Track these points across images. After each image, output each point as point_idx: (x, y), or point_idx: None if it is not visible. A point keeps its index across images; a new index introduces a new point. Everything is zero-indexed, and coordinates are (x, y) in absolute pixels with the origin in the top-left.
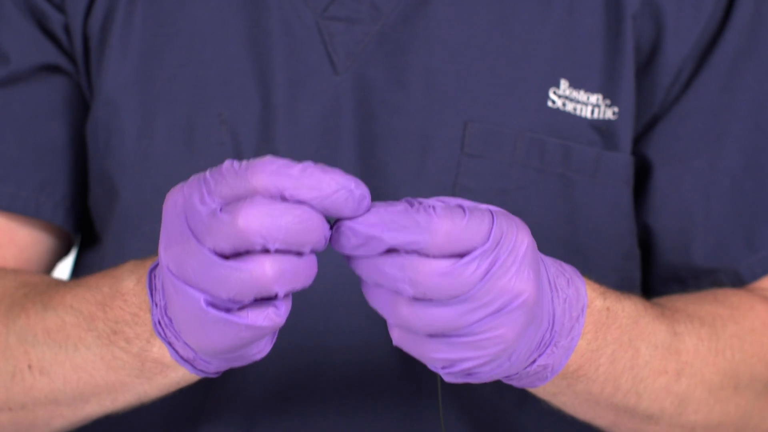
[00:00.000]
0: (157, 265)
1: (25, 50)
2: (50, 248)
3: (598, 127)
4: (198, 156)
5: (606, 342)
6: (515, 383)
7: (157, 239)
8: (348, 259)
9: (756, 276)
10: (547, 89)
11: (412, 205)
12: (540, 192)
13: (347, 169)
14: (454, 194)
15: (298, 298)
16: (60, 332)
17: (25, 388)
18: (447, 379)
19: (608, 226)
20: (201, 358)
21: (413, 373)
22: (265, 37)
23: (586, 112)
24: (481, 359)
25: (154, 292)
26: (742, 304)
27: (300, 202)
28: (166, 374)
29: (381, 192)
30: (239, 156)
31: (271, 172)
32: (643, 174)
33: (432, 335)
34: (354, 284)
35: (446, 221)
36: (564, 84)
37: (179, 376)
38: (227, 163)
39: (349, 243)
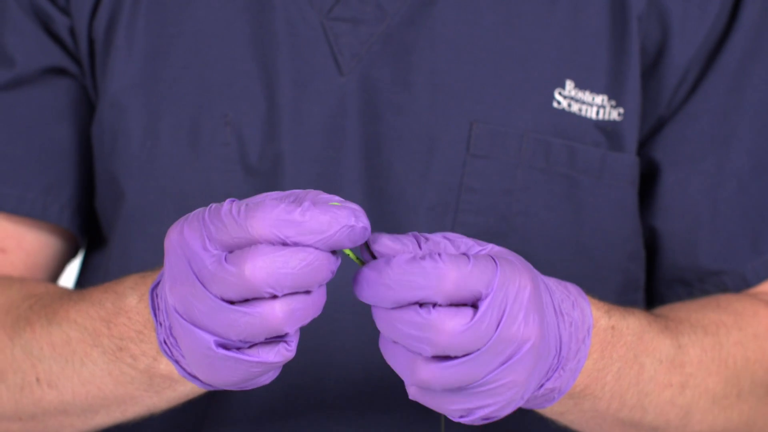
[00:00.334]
0: (158, 284)
1: (31, 53)
2: (58, 252)
3: (604, 127)
4: (203, 157)
5: (612, 360)
6: (523, 405)
7: (161, 241)
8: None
9: (760, 279)
10: (552, 90)
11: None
12: (545, 192)
13: (352, 171)
14: (459, 195)
15: None
16: (66, 347)
17: (34, 400)
18: (465, 422)
19: (613, 226)
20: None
21: None
22: (270, 37)
23: (592, 113)
24: (498, 404)
25: (157, 311)
26: (746, 310)
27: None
28: (174, 388)
29: (386, 193)
30: (244, 157)
31: (271, 223)
32: (649, 176)
33: (449, 389)
34: None
35: (452, 267)
36: (569, 85)
37: (188, 389)
38: (226, 207)
39: (362, 292)
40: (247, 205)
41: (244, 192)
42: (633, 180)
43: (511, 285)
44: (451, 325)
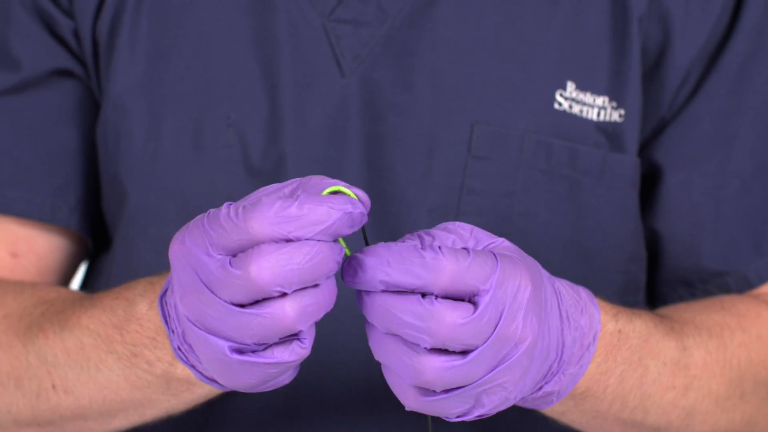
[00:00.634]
0: (166, 291)
1: (37, 56)
2: (69, 254)
3: (605, 129)
4: (206, 158)
5: (616, 363)
6: (521, 404)
7: (164, 242)
8: (359, 299)
9: (763, 280)
10: (553, 91)
11: (422, 241)
12: (546, 194)
13: (354, 172)
14: (460, 196)
15: None
16: (80, 353)
17: (51, 406)
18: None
19: (614, 228)
20: None
21: None
22: (272, 39)
23: (593, 115)
24: (493, 404)
25: (168, 319)
26: (749, 311)
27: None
28: (192, 391)
29: (388, 194)
30: (247, 158)
31: (270, 221)
32: (651, 178)
33: (447, 391)
34: None
35: (452, 260)
36: (570, 86)
37: (206, 391)
38: (224, 211)
39: (355, 276)
40: (244, 206)
41: (246, 193)
42: (634, 181)
43: (511, 284)
44: (453, 317)
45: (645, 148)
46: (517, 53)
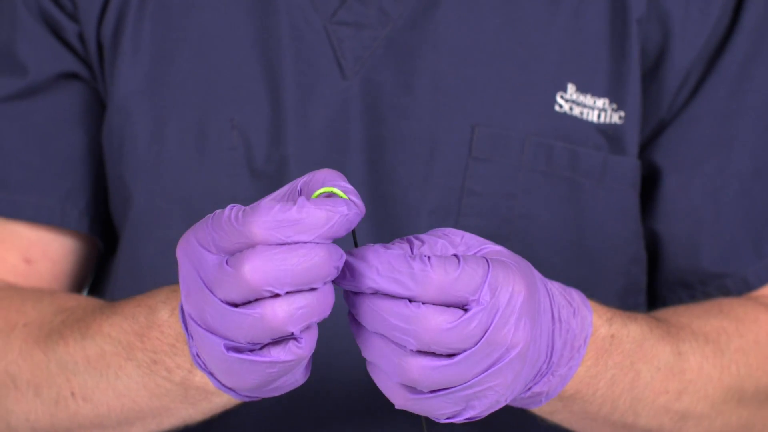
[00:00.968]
0: None
1: (43, 60)
2: (82, 258)
3: (605, 131)
4: (209, 161)
5: (606, 368)
6: (509, 404)
7: (169, 244)
8: (347, 298)
9: (763, 282)
10: (554, 93)
11: (412, 246)
12: (547, 196)
13: (355, 174)
14: (461, 198)
15: None
16: (100, 361)
17: (69, 414)
18: (448, 422)
19: (615, 230)
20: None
21: None
22: (275, 41)
23: (593, 116)
24: (483, 407)
25: (188, 325)
26: (747, 315)
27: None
28: (210, 400)
29: (389, 196)
30: (250, 161)
31: (268, 225)
32: (651, 179)
33: (435, 391)
34: None
35: (439, 272)
36: (571, 88)
37: (224, 400)
38: (226, 213)
39: (344, 279)
40: (244, 210)
41: (250, 195)
42: (634, 183)
43: (504, 289)
44: (438, 322)
45: (644, 149)
46: (518, 55)
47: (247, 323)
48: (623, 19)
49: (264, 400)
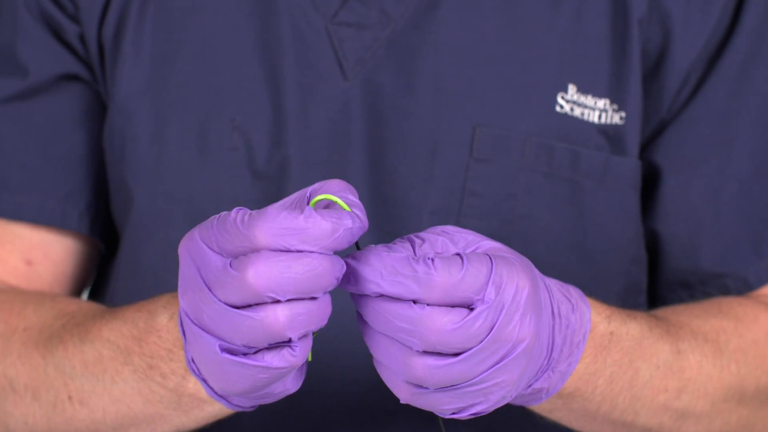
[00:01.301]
0: None
1: (44, 61)
2: (83, 259)
3: (606, 131)
4: (211, 162)
5: (605, 365)
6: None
7: (169, 245)
8: (353, 297)
9: (762, 282)
10: (555, 94)
11: (413, 245)
12: (548, 196)
13: (356, 174)
14: (462, 199)
15: None
16: (97, 365)
17: (66, 418)
18: (455, 417)
19: (616, 230)
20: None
21: None
22: (276, 42)
23: (594, 117)
24: (489, 402)
25: (185, 330)
26: (746, 315)
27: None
28: (202, 408)
29: (390, 196)
30: (251, 161)
31: (273, 231)
32: (651, 180)
33: (441, 388)
34: None
35: (443, 275)
36: (572, 89)
37: (216, 410)
38: (232, 215)
39: (348, 283)
40: (251, 213)
41: (251, 196)
42: (635, 184)
43: (509, 286)
44: (442, 323)
45: (645, 149)
46: (519, 56)
47: (246, 325)
48: (624, 20)
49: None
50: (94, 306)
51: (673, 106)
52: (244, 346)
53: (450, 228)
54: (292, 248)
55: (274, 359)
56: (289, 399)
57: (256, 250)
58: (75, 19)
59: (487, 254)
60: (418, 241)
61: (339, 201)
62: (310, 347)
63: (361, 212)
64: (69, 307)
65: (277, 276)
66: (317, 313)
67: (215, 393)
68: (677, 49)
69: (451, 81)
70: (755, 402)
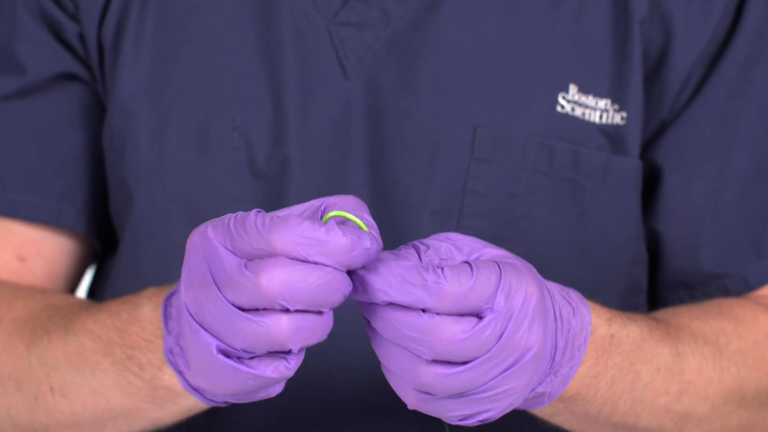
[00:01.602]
0: (174, 293)
1: (42, 60)
2: (77, 258)
3: (607, 131)
4: (211, 162)
5: (606, 368)
6: None
7: (169, 245)
8: (361, 305)
9: (763, 282)
10: (556, 94)
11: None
12: (549, 196)
13: (357, 175)
14: (463, 199)
15: None
16: (79, 357)
17: (47, 410)
18: (463, 424)
19: (617, 230)
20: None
21: None
22: (277, 42)
23: (595, 117)
24: (497, 409)
25: (168, 320)
26: (746, 317)
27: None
28: (177, 401)
29: (391, 196)
30: (252, 161)
31: (293, 239)
32: (652, 180)
33: (450, 395)
34: None
35: (453, 284)
36: (573, 89)
37: (190, 403)
38: (251, 217)
39: (356, 292)
40: (272, 218)
41: (252, 196)
42: (636, 184)
43: (518, 294)
44: (452, 332)
45: (646, 149)
46: (520, 56)
47: (250, 329)
48: (625, 20)
49: (267, 400)
50: (83, 300)
51: (674, 106)
52: (242, 350)
53: (453, 234)
54: (309, 258)
55: (268, 369)
56: (292, 398)
57: (273, 255)
58: (75, 18)
59: (496, 262)
60: (423, 248)
61: (357, 220)
62: (301, 362)
63: (376, 233)
64: (58, 300)
65: (292, 284)
66: (320, 329)
67: (190, 386)
68: (678, 49)
69: (451, 81)
70: (755, 404)
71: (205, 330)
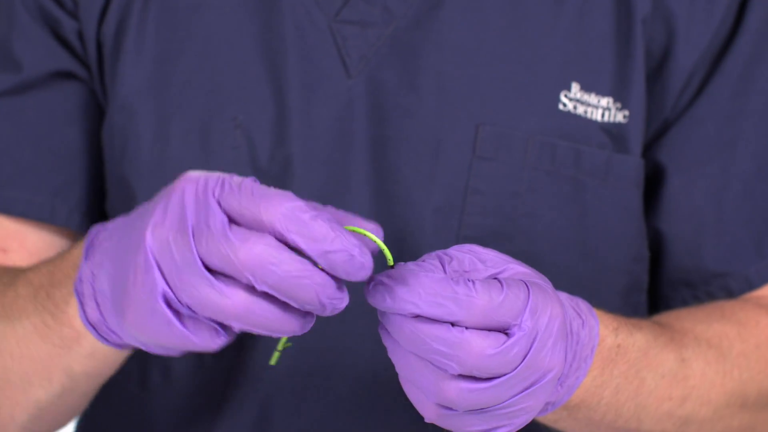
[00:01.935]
0: (109, 224)
1: (39, 57)
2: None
3: (609, 130)
4: (213, 160)
5: (612, 377)
6: None
7: None
8: (380, 314)
9: (764, 281)
10: (558, 92)
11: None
12: (551, 195)
13: (359, 173)
14: (465, 197)
15: None
16: (12, 306)
17: None
18: None
19: (618, 228)
20: (106, 325)
21: None
22: (279, 41)
23: (597, 115)
24: (513, 426)
25: (90, 248)
26: (749, 319)
27: (296, 249)
28: (80, 343)
29: (393, 194)
30: (254, 160)
31: (282, 211)
32: (654, 179)
33: (470, 410)
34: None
35: (484, 298)
36: (575, 87)
37: (89, 345)
38: (249, 180)
39: (384, 302)
40: (269, 187)
41: None
42: (638, 182)
43: (543, 314)
44: (482, 347)
45: (648, 148)
46: (522, 55)
47: (206, 291)
48: (628, 19)
49: (264, 398)
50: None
51: (676, 105)
52: (186, 306)
53: (476, 247)
54: (288, 236)
55: (197, 335)
56: (291, 396)
57: (257, 220)
58: (74, 15)
59: (523, 281)
60: (446, 258)
61: (371, 235)
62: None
63: (369, 259)
64: (10, 268)
65: (266, 262)
66: (276, 323)
67: (86, 317)
68: (681, 48)
69: (454, 79)
70: (757, 406)
71: (159, 272)
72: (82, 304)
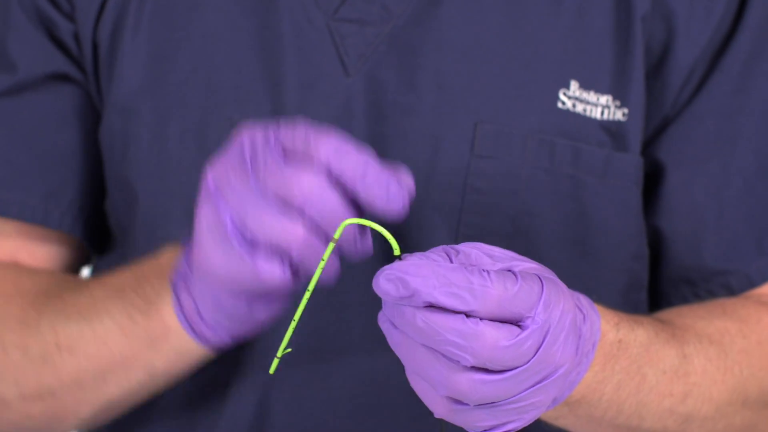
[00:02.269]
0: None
1: (34, 59)
2: (68, 261)
3: (608, 128)
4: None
5: (613, 372)
6: None
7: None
8: (386, 306)
9: (765, 279)
10: (557, 90)
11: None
12: (550, 193)
13: None
14: (464, 195)
15: (316, 294)
16: (90, 308)
17: (54, 370)
18: None
19: (618, 226)
20: (203, 318)
21: None
22: (276, 40)
23: (596, 113)
24: (523, 421)
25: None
26: (750, 317)
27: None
28: (168, 338)
29: None
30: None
31: (335, 148)
32: (654, 176)
33: (481, 405)
34: (368, 282)
35: (500, 288)
36: (574, 85)
37: (177, 341)
38: (301, 125)
39: (396, 292)
40: (319, 131)
41: None
42: (637, 180)
43: (556, 308)
44: (496, 338)
45: (648, 146)
46: (521, 53)
47: (271, 214)
48: (627, 17)
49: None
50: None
51: (676, 102)
52: (252, 232)
53: (480, 244)
54: (336, 167)
55: (266, 265)
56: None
57: (307, 156)
58: (70, 17)
59: (536, 274)
60: (453, 252)
61: (376, 226)
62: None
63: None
64: (64, 276)
65: (315, 192)
66: (319, 253)
67: (182, 312)
68: (680, 46)
69: (452, 77)
70: (759, 403)
71: (228, 203)
72: (177, 297)
